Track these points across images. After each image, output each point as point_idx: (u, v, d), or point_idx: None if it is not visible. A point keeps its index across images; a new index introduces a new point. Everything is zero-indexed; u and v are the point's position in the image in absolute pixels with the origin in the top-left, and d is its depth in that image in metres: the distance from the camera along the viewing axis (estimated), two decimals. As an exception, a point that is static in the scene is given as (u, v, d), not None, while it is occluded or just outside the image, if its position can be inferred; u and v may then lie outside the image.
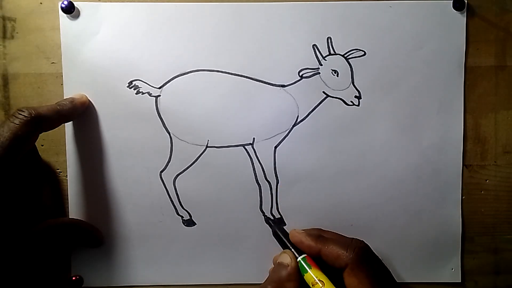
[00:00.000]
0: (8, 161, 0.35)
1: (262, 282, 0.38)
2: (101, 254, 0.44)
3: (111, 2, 0.43)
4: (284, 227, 0.44)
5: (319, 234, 0.40)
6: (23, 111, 0.36)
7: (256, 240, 0.44)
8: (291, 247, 0.40)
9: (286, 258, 0.39)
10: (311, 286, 0.36)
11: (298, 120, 0.43)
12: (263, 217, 0.44)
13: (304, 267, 0.38)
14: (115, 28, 0.43)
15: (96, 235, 0.43)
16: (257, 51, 0.43)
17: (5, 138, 0.34)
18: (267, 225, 0.44)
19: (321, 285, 0.36)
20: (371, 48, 0.43)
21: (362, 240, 0.38)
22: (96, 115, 0.43)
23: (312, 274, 0.37)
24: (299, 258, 0.38)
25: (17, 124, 0.35)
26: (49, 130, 0.39)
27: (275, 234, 0.43)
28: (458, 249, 0.44)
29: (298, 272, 0.37)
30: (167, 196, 0.43)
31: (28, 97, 0.43)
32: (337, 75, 0.43)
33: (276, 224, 0.43)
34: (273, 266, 0.42)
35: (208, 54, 0.43)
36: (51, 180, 0.44)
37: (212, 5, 0.43)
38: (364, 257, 0.36)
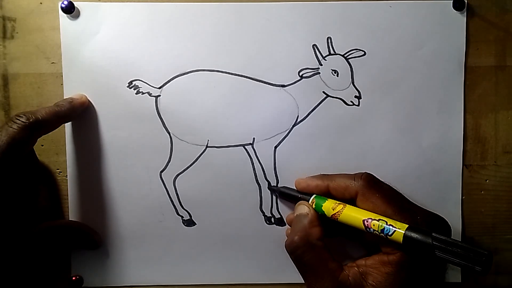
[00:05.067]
0: (5, 165, 0.35)
1: (287, 238, 0.38)
2: (101, 254, 0.44)
3: (111, 2, 0.43)
4: (285, 226, 0.44)
5: (322, 174, 0.42)
6: (21, 116, 0.36)
7: (256, 240, 0.44)
8: (301, 197, 0.41)
9: (303, 208, 0.39)
10: (332, 211, 0.38)
11: (298, 120, 0.43)
12: (268, 189, 0.44)
13: (320, 201, 0.39)
14: (115, 28, 0.43)
15: (94, 237, 0.43)
16: (257, 51, 0.43)
17: (3, 142, 0.35)
18: (271, 191, 0.44)
19: (342, 206, 0.37)
20: (371, 48, 0.43)
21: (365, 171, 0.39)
22: (96, 115, 0.43)
23: (331, 201, 0.38)
24: (313, 196, 0.40)
25: (15, 129, 0.35)
26: (48, 133, 0.39)
27: (282, 195, 0.43)
28: (458, 249, 0.44)
29: (318, 218, 0.38)
30: (167, 196, 0.43)
31: (28, 97, 0.43)
32: (337, 75, 0.43)
33: (278, 187, 0.43)
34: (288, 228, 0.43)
35: (208, 54, 0.43)
36: (50, 181, 0.44)
37: (212, 5, 0.43)
38: (373, 182, 0.38)
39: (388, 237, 0.34)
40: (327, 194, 0.40)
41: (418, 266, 0.35)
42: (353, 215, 0.36)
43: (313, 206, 0.39)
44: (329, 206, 0.38)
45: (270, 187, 0.43)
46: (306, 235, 0.37)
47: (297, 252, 0.36)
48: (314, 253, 0.36)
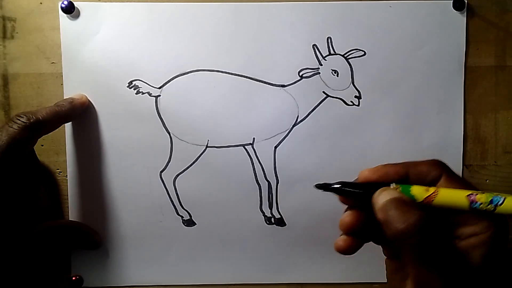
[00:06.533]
0: (5, 165, 0.35)
1: (393, 225, 0.31)
2: (101, 254, 0.44)
3: (111, 2, 0.43)
4: (285, 226, 0.44)
5: (395, 163, 0.36)
6: (22, 116, 0.36)
7: (256, 240, 0.44)
8: (374, 189, 0.34)
9: (387, 194, 0.33)
10: (425, 193, 0.33)
11: (298, 120, 0.43)
12: (317, 188, 0.35)
13: (405, 187, 0.34)
14: (115, 28, 0.43)
15: (94, 237, 0.43)
16: (257, 51, 0.43)
17: (3, 142, 0.35)
18: (323, 189, 0.35)
19: (434, 188, 0.33)
20: (371, 48, 0.43)
21: None
22: (96, 115, 0.43)
23: (418, 186, 0.34)
24: (392, 184, 0.33)
25: (15, 129, 0.35)
26: (48, 133, 0.39)
27: (341, 192, 0.34)
28: (458, 249, 0.44)
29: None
30: (167, 196, 0.43)
31: (28, 97, 0.43)
32: (337, 75, 0.43)
33: (333, 184, 0.35)
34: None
35: (208, 54, 0.43)
36: (50, 181, 0.44)
37: (212, 5, 0.43)
38: (450, 169, 0.34)
39: (498, 207, 0.32)
40: (403, 182, 0.34)
41: (507, 242, 0.33)
42: (453, 194, 0.33)
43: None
44: (420, 190, 0.33)
45: (319, 185, 0.35)
46: (418, 214, 0.31)
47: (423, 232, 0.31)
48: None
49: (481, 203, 0.32)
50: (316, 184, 0.35)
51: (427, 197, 0.33)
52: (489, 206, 0.32)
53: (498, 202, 0.32)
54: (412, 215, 0.31)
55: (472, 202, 0.33)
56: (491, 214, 0.32)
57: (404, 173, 0.35)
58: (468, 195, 0.33)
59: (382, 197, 0.33)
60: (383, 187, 0.34)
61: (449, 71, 0.43)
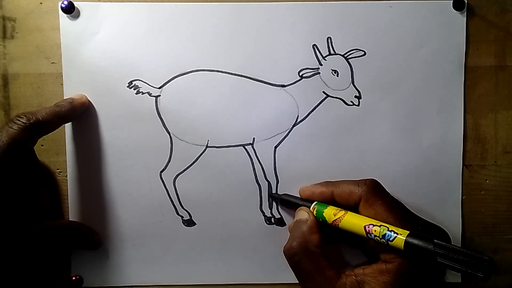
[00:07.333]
0: (5, 165, 0.35)
1: (286, 243, 0.38)
2: (101, 254, 0.44)
3: (111, 2, 0.43)
4: (285, 226, 0.44)
5: (327, 181, 0.42)
6: (22, 117, 0.36)
7: (256, 240, 0.44)
8: (302, 204, 0.41)
9: (303, 214, 0.39)
10: (333, 217, 0.38)
11: (298, 120, 0.43)
12: (269, 196, 0.44)
13: (321, 207, 0.39)
14: (115, 28, 0.43)
15: (94, 237, 0.43)
16: (257, 51, 0.43)
17: (3, 142, 0.35)
18: (272, 199, 0.44)
19: (343, 212, 0.37)
20: (371, 48, 0.43)
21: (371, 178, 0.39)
22: (96, 115, 0.43)
23: (332, 207, 0.38)
24: (314, 203, 0.40)
25: (15, 129, 0.36)
26: (48, 133, 0.39)
27: (283, 202, 0.43)
28: (458, 249, 0.44)
29: (318, 225, 0.38)
30: (167, 196, 0.43)
31: (28, 97, 0.43)
32: (337, 75, 0.43)
33: (279, 195, 0.43)
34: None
35: (208, 54, 0.43)
36: (50, 181, 0.44)
37: (212, 5, 0.43)
38: (376, 189, 0.38)
39: (389, 242, 0.33)
40: (332, 201, 0.39)
41: (416, 275, 0.34)
42: (354, 221, 0.36)
43: (314, 212, 0.39)
44: (330, 213, 0.38)
45: (271, 194, 0.43)
46: (305, 241, 0.37)
47: (295, 258, 0.37)
48: (312, 260, 0.36)
49: (375, 235, 0.34)
50: (269, 193, 0.43)
51: (333, 221, 0.38)
52: (382, 240, 0.34)
53: (389, 238, 0.34)
54: (296, 241, 0.37)
55: (368, 233, 0.35)
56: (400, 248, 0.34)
57: (328, 194, 0.40)
58: (365, 226, 0.35)
59: (296, 216, 0.40)
60: (300, 207, 0.41)
61: (449, 71, 0.43)
